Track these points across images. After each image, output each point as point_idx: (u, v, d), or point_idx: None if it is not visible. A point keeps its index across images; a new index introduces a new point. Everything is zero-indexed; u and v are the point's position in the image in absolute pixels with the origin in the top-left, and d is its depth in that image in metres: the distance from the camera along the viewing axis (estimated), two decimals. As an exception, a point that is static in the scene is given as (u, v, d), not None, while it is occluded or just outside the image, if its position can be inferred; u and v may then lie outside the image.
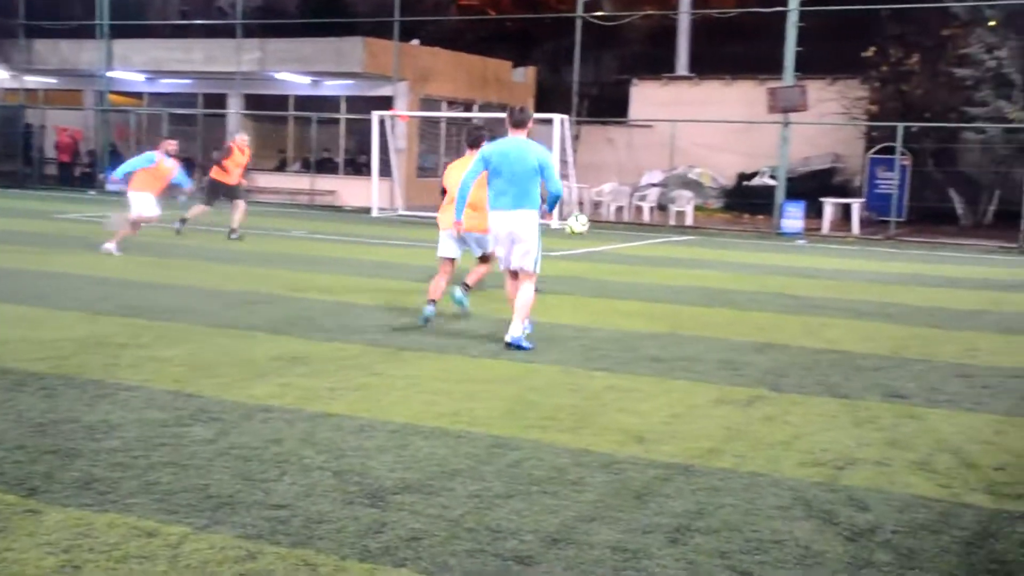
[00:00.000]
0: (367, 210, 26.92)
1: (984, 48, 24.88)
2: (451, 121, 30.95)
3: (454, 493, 4.75)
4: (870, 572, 3.99)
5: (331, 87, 30.31)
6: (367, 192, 27.27)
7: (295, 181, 30.58)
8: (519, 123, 8.62)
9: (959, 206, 27.67)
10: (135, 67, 31.59)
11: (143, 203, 14.73)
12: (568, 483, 4.96)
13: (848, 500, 4.83)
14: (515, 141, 8.60)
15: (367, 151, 27.72)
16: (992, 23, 25.15)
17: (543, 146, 8.98)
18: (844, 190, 28.90)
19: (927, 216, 27.69)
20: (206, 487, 4.72)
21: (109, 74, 31.52)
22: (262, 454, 5.26)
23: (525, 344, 8.41)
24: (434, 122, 30.42)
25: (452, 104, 31.47)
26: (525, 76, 34.69)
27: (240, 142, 18.21)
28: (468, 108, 31.99)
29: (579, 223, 9.70)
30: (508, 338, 8.44)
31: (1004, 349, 9.23)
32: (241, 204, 17.72)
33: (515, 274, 8.79)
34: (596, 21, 28.77)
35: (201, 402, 6.29)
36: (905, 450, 5.74)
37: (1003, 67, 24.34)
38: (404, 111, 28.32)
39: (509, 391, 6.90)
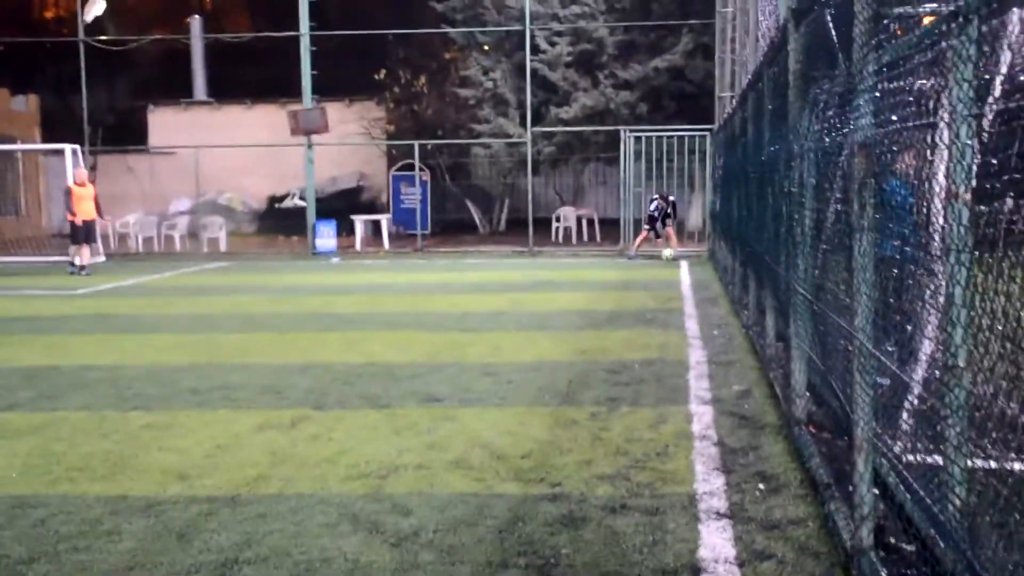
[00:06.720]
0: None
1: (481, 70, 26.98)
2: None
3: (-31, 568, 4.25)
4: (415, 574, 4.12)
5: None
6: None
7: None
8: None
9: (476, 216, 29.75)
10: None
11: None
12: (102, 534, 4.63)
13: (392, 508, 4.97)
14: None
15: None
16: (486, 48, 27.36)
17: None
18: (373, 207, 29.95)
19: (450, 227, 29.48)
20: None
21: None
22: None
23: None
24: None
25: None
26: (27, 104, 32.05)
27: None
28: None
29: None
30: None
31: (522, 345, 10.02)
32: None
33: None
34: (101, 46, 27.25)
35: None
36: (443, 451, 6.01)
37: (499, 87, 26.51)
38: None
39: (30, 444, 6.31)
